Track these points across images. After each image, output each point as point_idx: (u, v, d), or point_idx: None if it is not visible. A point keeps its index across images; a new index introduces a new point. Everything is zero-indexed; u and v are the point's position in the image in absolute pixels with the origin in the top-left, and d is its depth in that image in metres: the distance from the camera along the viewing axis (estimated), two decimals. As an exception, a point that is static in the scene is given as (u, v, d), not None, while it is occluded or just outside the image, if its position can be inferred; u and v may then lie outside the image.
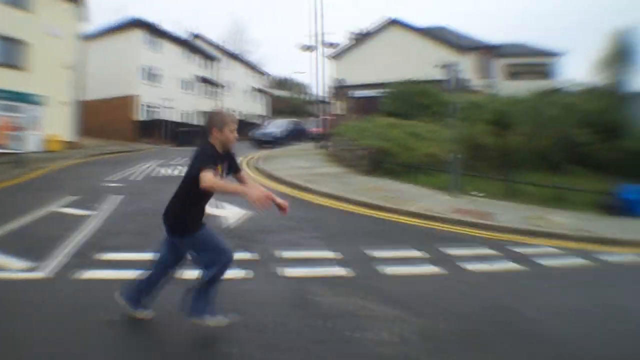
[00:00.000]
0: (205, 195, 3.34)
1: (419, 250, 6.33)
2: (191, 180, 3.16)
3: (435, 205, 9.70)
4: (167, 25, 41.55)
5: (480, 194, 11.37)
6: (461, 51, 28.28)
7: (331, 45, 30.24)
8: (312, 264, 5.45)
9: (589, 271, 6.14)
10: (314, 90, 42.50)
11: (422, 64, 26.79)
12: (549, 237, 7.84)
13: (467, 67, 30.12)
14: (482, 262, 5.91)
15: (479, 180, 12.21)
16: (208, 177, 2.98)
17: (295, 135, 29.99)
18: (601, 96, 16.83)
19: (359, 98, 30.09)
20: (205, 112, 36.48)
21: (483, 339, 3.74)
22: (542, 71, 29.23)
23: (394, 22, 32.01)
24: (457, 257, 6.05)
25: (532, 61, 29.85)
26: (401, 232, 7.85)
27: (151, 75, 34.22)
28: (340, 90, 31.85)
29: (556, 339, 3.74)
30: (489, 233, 7.95)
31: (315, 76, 34.93)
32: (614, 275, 6.15)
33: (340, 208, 9.67)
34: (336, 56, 33.47)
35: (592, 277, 5.92)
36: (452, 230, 8.06)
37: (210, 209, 3.96)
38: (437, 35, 29.60)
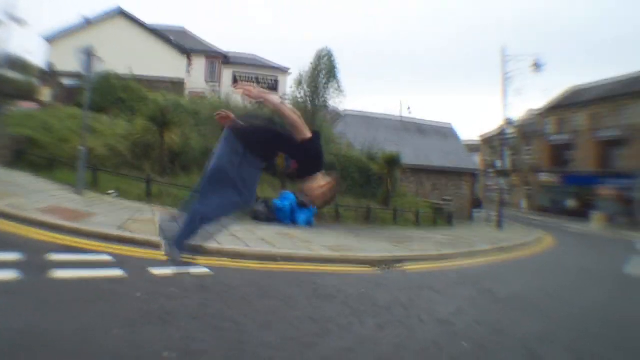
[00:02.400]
0: None
1: None
2: None
3: (36, 203, 7.69)
4: None
5: (114, 194, 9.87)
6: (187, 54, 27.32)
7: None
8: None
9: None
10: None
11: (146, 60, 25.09)
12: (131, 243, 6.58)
13: (199, 69, 29.77)
14: None
15: (128, 179, 10.81)
16: None
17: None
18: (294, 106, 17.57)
19: (70, 87, 26.23)
20: None
21: None
22: (267, 83, 30.28)
23: (121, 14, 29.19)
24: None
25: (259, 73, 30.68)
26: None
27: None
28: (50, 76, 27.35)
29: None
30: (59, 236, 6.29)
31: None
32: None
33: None
34: (51, 39, 28.80)
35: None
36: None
37: None
38: (163, 35, 28.08)
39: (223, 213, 2.88)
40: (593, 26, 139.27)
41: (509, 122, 44.12)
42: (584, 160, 35.09)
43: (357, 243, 9.25)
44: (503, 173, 23.85)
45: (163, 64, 25.64)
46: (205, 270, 5.50)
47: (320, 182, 2.58)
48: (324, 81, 17.62)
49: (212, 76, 29.63)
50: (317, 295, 5.02)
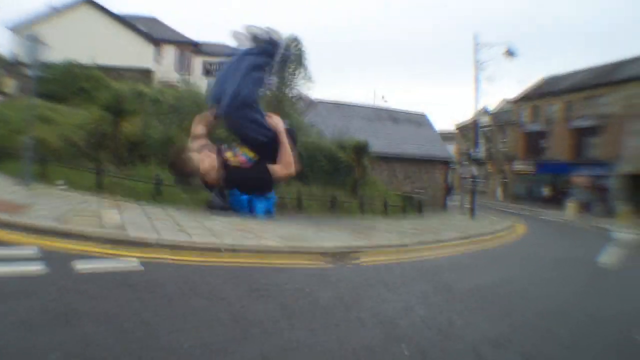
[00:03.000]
0: None
1: None
2: None
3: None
4: None
5: (63, 186, 9.44)
6: (157, 43, 26.66)
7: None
8: None
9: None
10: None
11: (113, 49, 24.46)
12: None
13: (170, 59, 29.12)
14: None
15: (80, 171, 10.37)
16: None
17: None
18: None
19: (34, 78, 25.33)
20: None
21: None
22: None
23: (88, 2, 28.32)
24: None
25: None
26: None
27: None
28: (14, 67, 26.41)
29: None
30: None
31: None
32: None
33: None
34: (16, 28, 27.82)
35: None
36: None
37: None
38: (130, 23, 27.35)
39: None
40: (571, 18, 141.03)
41: (484, 111, 44.49)
42: (558, 149, 35.37)
43: (314, 234, 8.97)
44: (477, 162, 23.80)
45: (130, 53, 24.92)
46: (135, 265, 5.16)
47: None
48: (291, 69, 17.26)
49: (183, 66, 28.96)
50: (251, 294, 4.66)
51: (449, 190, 26.10)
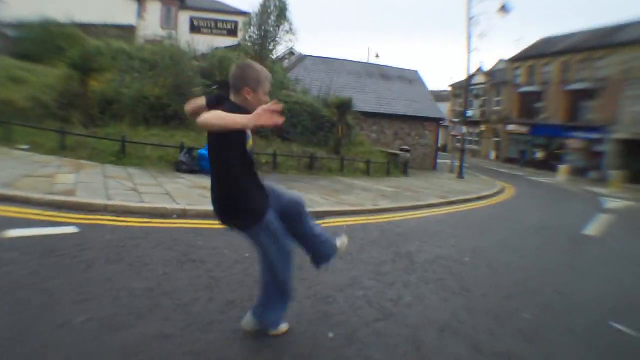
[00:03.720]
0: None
1: None
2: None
3: None
4: None
5: (26, 148, 9.18)
6: (139, -1, 25.74)
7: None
8: None
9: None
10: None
11: (92, 6, 23.64)
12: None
13: (154, 15, 28.16)
14: None
15: (46, 132, 10.08)
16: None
17: None
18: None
19: (13, 38, 24.57)
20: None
21: None
22: (226, 28, 28.89)
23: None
24: None
25: (218, 18, 29.16)
26: None
27: None
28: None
29: None
30: None
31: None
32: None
33: None
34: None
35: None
36: None
37: None
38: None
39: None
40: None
41: (479, 70, 43.50)
42: (553, 112, 34.75)
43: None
44: (465, 122, 23.33)
45: (111, 9, 24.00)
46: (71, 230, 4.98)
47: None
48: (274, 22, 16.63)
49: (168, 22, 28.06)
50: (180, 260, 4.41)
51: (439, 149, 25.73)
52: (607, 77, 30.33)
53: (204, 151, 10.01)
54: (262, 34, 16.58)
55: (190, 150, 9.99)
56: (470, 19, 21.01)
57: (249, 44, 16.68)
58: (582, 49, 32.88)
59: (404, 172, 17.24)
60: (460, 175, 19.89)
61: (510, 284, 5.10)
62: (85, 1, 23.10)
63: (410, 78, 25.55)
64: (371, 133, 21.38)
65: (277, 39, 16.92)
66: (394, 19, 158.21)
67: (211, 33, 28.34)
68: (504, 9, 21.34)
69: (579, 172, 29.85)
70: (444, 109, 35.28)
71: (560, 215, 12.53)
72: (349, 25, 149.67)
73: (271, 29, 16.78)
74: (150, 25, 26.84)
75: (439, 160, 25.31)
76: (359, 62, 26.26)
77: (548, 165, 32.46)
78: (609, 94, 30.13)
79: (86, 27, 20.68)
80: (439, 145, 30.38)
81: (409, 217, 9.05)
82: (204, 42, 19.49)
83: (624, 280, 6.03)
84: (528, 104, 37.00)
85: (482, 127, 42.27)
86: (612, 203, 16.48)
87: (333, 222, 7.34)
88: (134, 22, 24.94)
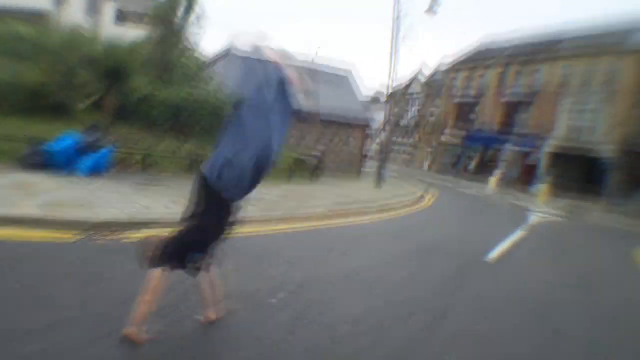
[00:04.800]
0: None
1: None
2: None
3: None
4: None
5: None
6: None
7: None
8: None
9: None
10: None
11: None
12: None
13: (77, 2, 26.50)
14: None
15: None
16: None
17: None
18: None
19: None
20: None
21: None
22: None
23: None
24: None
25: (146, 9, 27.84)
26: None
27: None
28: None
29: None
30: None
31: None
32: None
33: None
34: None
35: None
36: None
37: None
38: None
39: None
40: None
41: (416, 79, 43.66)
42: (489, 121, 35.13)
43: (118, 199, 7.74)
44: (404, 130, 22.95)
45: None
46: None
47: None
48: (181, 14, 15.63)
49: (93, 11, 26.51)
50: None
51: (365, 156, 25.26)
52: (544, 89, 30.88)
53: (54, 145, 8.94)
54: (168, 25, 15.58)
55: (35, 144, 8.86)
56: (396, 18, 20.68)
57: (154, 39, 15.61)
58: (520, 59, 33.41)
59: (313, 179, 16.48)
60: (378, 183, 19.35)
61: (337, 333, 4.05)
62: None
63: (341, 80, 24.86)
64: (289, 138, 20.53)
65: (185, 32, 15.98)
66: (332, 15, 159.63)
67: (140, 25, 26.91)
68: (431, 10, 21.19)
69: (510, 184, 30.13)
70: (377, 114, 34.57)
71: (469, 233, 11.75)
72: (294, 15, 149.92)
73: (179, 21, 15.83)
74: (74, 15, 25.21)
75: (365, 170, 24.77)
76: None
77: (482, 175, 32.73)
78: (544, 105, 30.66)
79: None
80: (372, 153, 30.00)
81: (279, 229, 8.17)
82: (131, 35, 18.17)
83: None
84: (464, 113, 37.35)
85: (418, 136, 42.37)
86: (535, 217, 16.38)
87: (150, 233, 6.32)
88: (51, 9, 23.25)
